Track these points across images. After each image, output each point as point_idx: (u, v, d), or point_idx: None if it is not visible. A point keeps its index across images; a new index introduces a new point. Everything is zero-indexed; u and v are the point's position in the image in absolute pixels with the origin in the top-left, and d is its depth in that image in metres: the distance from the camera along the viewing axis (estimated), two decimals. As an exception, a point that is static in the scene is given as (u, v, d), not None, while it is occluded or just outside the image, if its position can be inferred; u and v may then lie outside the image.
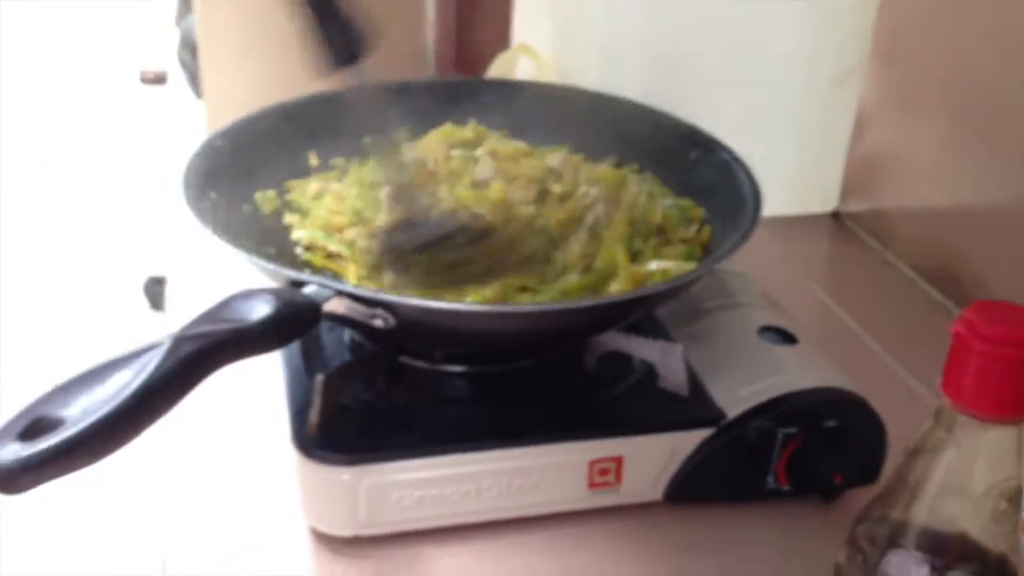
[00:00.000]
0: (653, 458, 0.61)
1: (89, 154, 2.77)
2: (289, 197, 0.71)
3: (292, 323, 0.48)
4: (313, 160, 0.74)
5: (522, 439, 0.59)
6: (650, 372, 0.64)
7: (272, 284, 0.56)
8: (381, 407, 0.61)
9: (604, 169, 0.74)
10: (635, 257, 0.65)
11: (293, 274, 0.53)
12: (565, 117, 0.79)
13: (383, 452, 0.57)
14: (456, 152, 0.74)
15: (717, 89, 1.11)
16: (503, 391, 0.63)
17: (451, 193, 0.68)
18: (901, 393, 0.76)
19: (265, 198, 0.70)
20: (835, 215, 1.05)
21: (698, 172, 0.72)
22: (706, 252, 0.68)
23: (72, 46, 3.39)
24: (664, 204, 0.69)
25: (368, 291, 0.52)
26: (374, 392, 0.61)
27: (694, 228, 0.68)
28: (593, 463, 0.60)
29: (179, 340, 0.42)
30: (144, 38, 3.18)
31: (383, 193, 0.67)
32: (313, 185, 0.72)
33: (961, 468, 0.40)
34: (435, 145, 0.74)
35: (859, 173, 1.02)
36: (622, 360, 0.64)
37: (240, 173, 0.68)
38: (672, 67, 1.19)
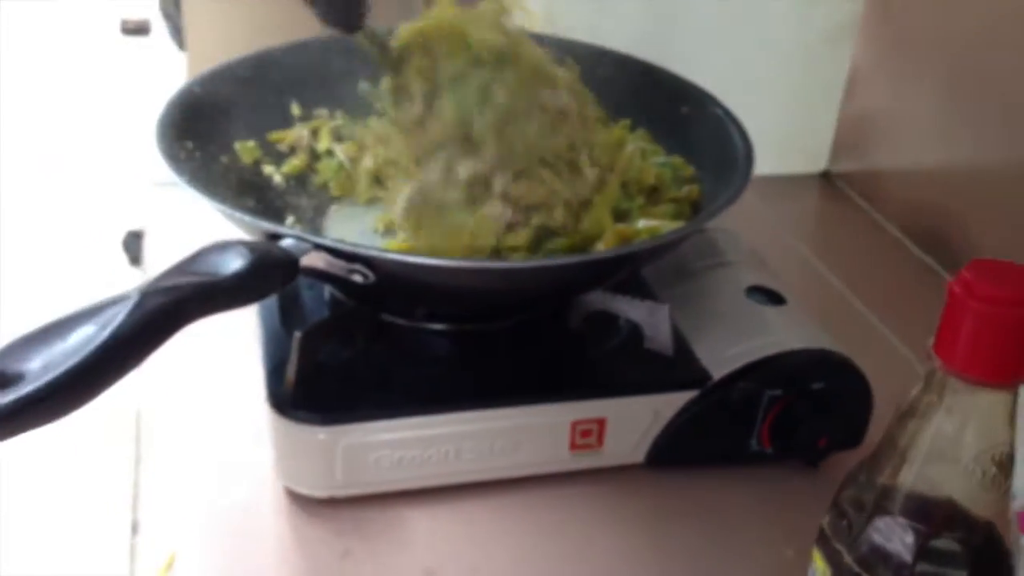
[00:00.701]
0: (636, 420, 0.60)
1: (68, 105, 2.71)
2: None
3: (267, 277, 0.46)
4: (295, 110, 0.72)
5: (504, 400, 0.58)
6: (635, 332, 0.62)
7: (249, 237, 0.55)
8: (360, 365, 0.59)
9: (602, 130, 0.71)
10: (623, 216, 0.63)
11: (270, 226, 0.51)
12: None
13: (361, 411, 0.56)
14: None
15: (708, 42, 1.09)
16: (485, 350, 0.62)
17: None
18: (888, 356, 0.76)
19: (245, 148, 0.68)
20: (825, 175, 1.04)
21: (689, 128, 0.71)
22: (695, 210, 0.67)
23: (52, -6, 3.32)
24: (656, 162, 0.67)
25: (346, 245, 0.50)
26: (353, 350, 0.60)
27: (685, 188, 0.67)
28: (575, 424, 0.59)
29: (147, 294, 0.40)
30: (126, -13, 3.13)
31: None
32: (297, 134, 0.70)
33: (951, 433, 0.39)
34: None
35: (850, 132, 1.01)
36: (608, 320, 0.63)
37: (219, 122, 0.66)
38: (663, 17, 1.16)
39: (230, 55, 0.71)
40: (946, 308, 0.37)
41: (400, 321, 0.62)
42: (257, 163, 0.68)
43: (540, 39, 0.76)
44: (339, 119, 0.73)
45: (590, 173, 0.61)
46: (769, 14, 1.00)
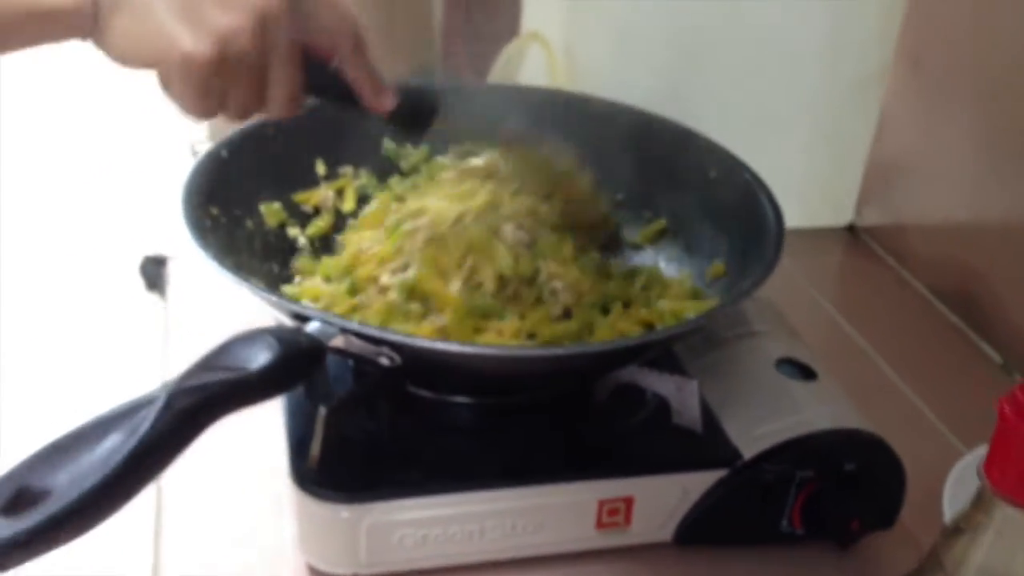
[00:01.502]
0: (664, 498, 0.59)
1: (85, 128, 2.71)
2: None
3: (295, 368, 0.45)
4: (320, 168, 0.71)
5: (530, 478, 0.57)
6: (663, 406, 0.61)
7: (276, 313, 0.54)
8: (384, 439, 0.58)
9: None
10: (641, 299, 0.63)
11: (298, 308, 0.51)
12: (578, 127, 0.76)
13: (385, 489, 0.55)
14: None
15: (734, 85, 1.08)
16: (510, 423, 0.61)
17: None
18: (918, 427, 0.74)
19: (270, 210, 0.67)
20: (850, 228, 1.02)
21: (716, 192, 0.70)
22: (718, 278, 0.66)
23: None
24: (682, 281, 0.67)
25: (374, 329, 0.50)
26: (377, 422, 0.59)
27: (709, 267, 0.66)
28: (602, 503, 0.58)
29: (174, 395, 0.40)
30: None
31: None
32: (322, 195, 0.70)
33: (1002, 556, 0.38)
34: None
35: (877, 184, 1.00)
36: (635, 393, 0.62)
37: (245, 184, 0.66)
38: (689, 59, 1.16)
39: None
40: (997, 429, 0.36)
41: (425, 393, 0.61)
42: (282, 225, 0.68)
43: (566, 96, 0.76)
44: (363, 178, 0.72)
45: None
46: (796, 61, 0.99)
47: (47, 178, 2.42)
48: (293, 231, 0.68)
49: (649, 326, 0.62)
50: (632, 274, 0.66)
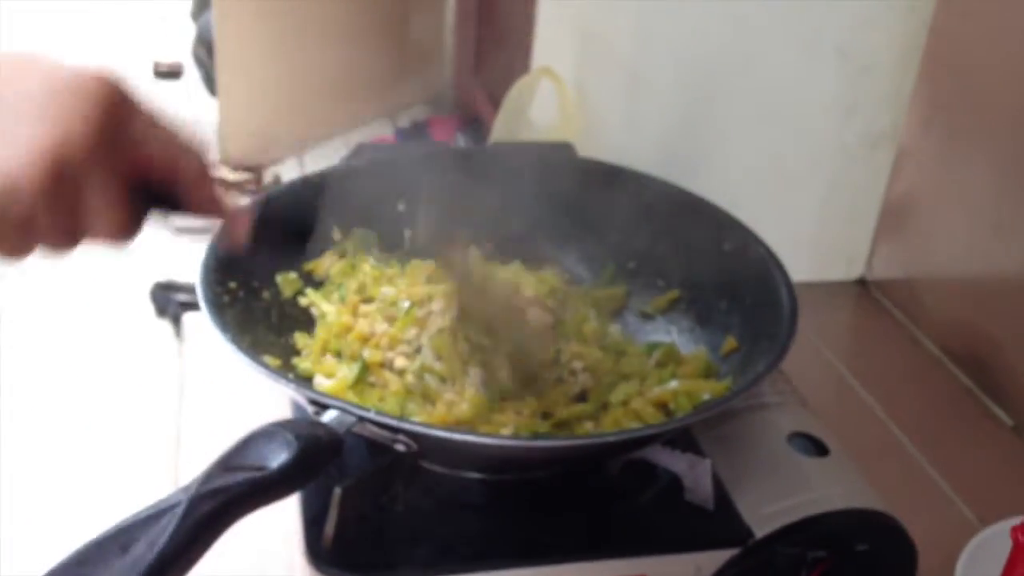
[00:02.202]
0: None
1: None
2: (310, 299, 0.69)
3: (314, 465, 0.46)
4: (336, 234, 0.72)
5: (543, 558, 0.57)
6: (674, 481, 0.62)
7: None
8: (397, 515, 0.59)
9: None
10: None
11: (317, 397, 0.51)
12: (590, 195, 0.76)
13: (400, 570, 0.55)
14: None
15: (745, 131, 1.09)
16: (523, 498, 0.61)
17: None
18: (927, 494, 0.75)
19: (287, 281, 0.67)
20: (861, 282, 1.03)
21: (731, 264, 0.70)
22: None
23: (85, 34, 3.34)
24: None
25: (391, 419, 0.50)
26: (390, 499, 0.59)
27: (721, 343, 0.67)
28: (615, 581, 0.58)
29: (195, 500, 0.40)
30: (159, 30, 3.14)
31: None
32: (328, 263, 0.70)
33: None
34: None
35: (889, 238, 1.00)
36: (646, 468, 0.62)
37: (261, 255, 0.66)
38: (700, 99, 1.16)
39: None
40: (1011, 555, 0.37)
41: (437, 468, 0.61)
42: (298, 294, 0.68)
43: (584, 163, 0.76)
44: (372, 241, 0.72)
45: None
46: (808, 113, 1.00)
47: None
48: (305, 300, 0.68)
49: (663, 406, 0.62)
50: (650, 350, 0.66)
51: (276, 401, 0.67)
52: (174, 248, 2.35)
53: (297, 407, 0.65)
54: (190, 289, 2.15)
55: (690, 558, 0.59)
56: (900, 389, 0.87)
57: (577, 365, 0.63)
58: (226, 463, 0.43)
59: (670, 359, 0.65)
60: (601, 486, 0.62)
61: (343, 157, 0.76)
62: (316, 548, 0.55)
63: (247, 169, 2.56)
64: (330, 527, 0.55)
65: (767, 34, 1.00)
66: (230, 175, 2.55)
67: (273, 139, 2.59)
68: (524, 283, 0.67)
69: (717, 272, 0.70)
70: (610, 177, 0.76)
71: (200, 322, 0.83)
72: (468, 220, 0.76)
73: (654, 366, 0.65)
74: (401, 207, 0.74)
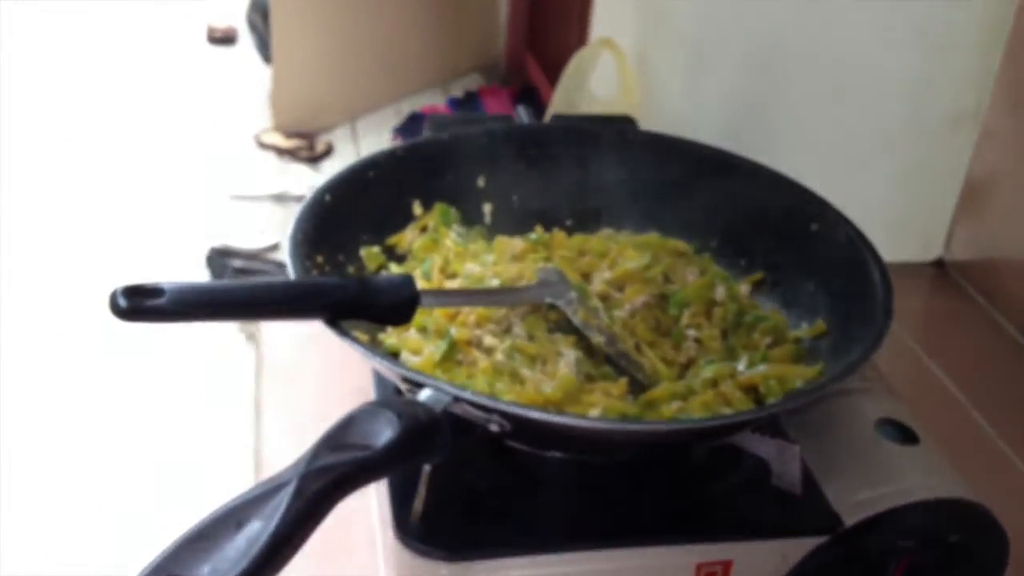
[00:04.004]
0: (763, 564, 0.59)
1: (149, 115, 2.74)
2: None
3: (417, 444, 0.46)
4: (417, 209, 0.71)
5: (629, 540, 0.57)
6: (761, 466, 0.61)
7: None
8: (482, 493, 0.59)
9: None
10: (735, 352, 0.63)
11: (409, 373, 0.51)
12: (670, 172, 0.75)
13: (486, 548, 0.55)
14: None
15: (816, 110, 1.07)
16: (609, 480, 0.61)
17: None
18: (1013, 482, 0.73)
19: (370, 254, 0.67)
20: (938, 264, 1.01)
21: (819, 246, 0.69)
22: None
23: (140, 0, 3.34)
24: (758, 321, 0.66)
25: (487, 399, 0.50)
26: (477, 477, 0.59)
27: (806, 327, 0.65)
28: (700, 566, 0.58)
29: (305, 478, 0.40)
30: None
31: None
32: (410, 237, 0.70)
33: None
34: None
35: (970, 220, 0.98)
36: (732, 452, 0.62)
37: (347, 229, 0.66)
38: (766, 74, 1.14)
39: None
40: None
41: (522, 447, 0.61)
42: (381, 268, 0.68)
43: (664, 139, 0.75)
44: (453, 217, 0.72)
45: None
46: (884, 91, 0.97)
47: (112, 171, 2.47)
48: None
49: (752, 389, 0.61)
50: (755, 323, 0.65)
51: (356, 378, 0.68)
52: (230, 213, 2.37)
53: (380, 384, 0.65)
54: (247, 255, 2.18)
55: (777, 545, 0.58)
56: (981, 374, 0.85)
57: (691, 333, 0.62)
58: (332, 441, 0.43)
59: (780, 338, 0.64)
60: (687, 470, 0.62)
61: (424, 130, 0.76)
62: (405, 525, 0.55)
63: (299, 135, 2.58)
64: (419, 504, 0.55)
65: (839, 10, 0.97)
66: (283, 142, 2.57)
67: (326, 106, 2.61)
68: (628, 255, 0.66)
69: (803, 253, 0.69)
70: (691, 154, 0.75)
71: (276, 329, 0.84)
72: (546, 196, 0.75)
73: (765, 347, 0.64)
74: (481, 182, 0.74)
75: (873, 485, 0.60)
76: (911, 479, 0.60)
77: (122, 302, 0.48)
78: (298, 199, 2.37)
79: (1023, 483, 0.73)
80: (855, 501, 0.59)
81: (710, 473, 0.61)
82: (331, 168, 2.49)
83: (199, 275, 2.17)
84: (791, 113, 1.12)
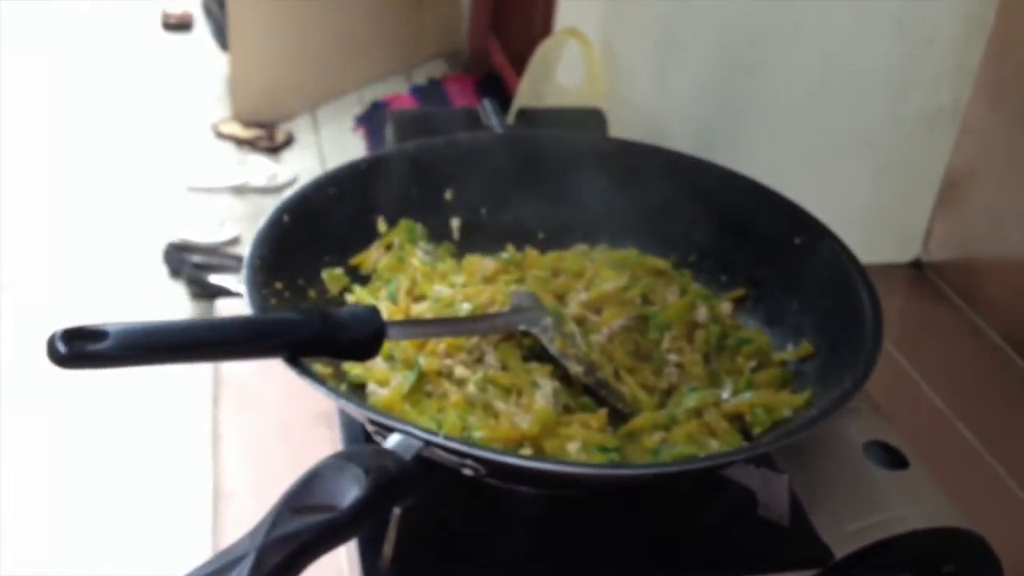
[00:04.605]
0: (751, 599, 0.56)
1: (103, 104, 2.66)
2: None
3: (386, 500, 0.42)
4: (382, 226, 0.68)
5: (612, 579, 0.54)
6: (745, 494, 0.58)
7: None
8: (456, 532, 0.56)
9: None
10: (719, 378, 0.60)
11: (379, 418, 0.47)
12: (647, 183, 0.72)
13: (459, 595, 0.52)
14: None
15: (789, 102, 1.04)
16: (587, 514, 0.58)
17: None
18: (1001, 498, 0.71)
19: (333, 277, 0.64)
20: (916, 264, 0.98)
21: (802, 261, 0.66)
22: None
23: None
24: (741, 344, 0.63)
25: (461, 444, 0.47)
26: (447, 512, 0.56)
27: (791, 349, 0.63)
28: (686, 604, 0.55)
29: (264, 550, 0.37)
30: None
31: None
32: (375, 256, 0.66)
33: None
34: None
35: (948, 219, 0.95)
36: (716, 480, 0.59)
37: (307, 251, 0.62)
38: (740, 67, 1.12)
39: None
40: None
41: (495, 482, 0.58)
42: (345, 291, 0.64)
43: (641, 148, 0.72)
44: (419, 234, 0.68)
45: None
46: (862, 86, 0.95)
47: (64, 163, 2.39)
48: (352, 298, 0.64)
49: (738, 418, 0.58)
50: (739, 346, 0.62)
51: (320, 401, 0.64)
52: (187, 206, 2.30)
53: (344, 414, 0.62)
54: (205, 249, 2.11)
55: (766, 579, 0.56)
56: (961, 380, 0.83)
57: (672, 358, 0.59)
58: (293, 503, 0.40)
59: (765, 362, 0.61)
60: (669, 500, 0.59)
61: (386, 124, 0.72)
62: (374, 571, 0.52)
63: (259, 125, 2.52)
64: (388, 548, 0.52)
65: (817, 2, 0.95)
66: (242, 131, 2.51)
67: (286, 94, 2.55)
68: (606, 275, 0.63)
69: (787, 268, 0.66)
70: (670, 164, 0.72)
71: (236, 309, 0.80)
72: (517, 209, 0.72)
73: (750, 371, 0.61)
74: (448, 195, 0.70)
75: (863, 514, 0.57)
76: (903, 507, 0.58)
77: (61, 348, 0.44)
78: (258, 191, 2.32)
79: (1006, 495, 0.71)
80: (846, 532, 0.57)
81: (694, 504, 0.59)
82: (292, 159, 2.44)
83: (156, 271, 2.10)
84: (765, 108, 1.09)
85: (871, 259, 0.98)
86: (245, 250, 0.57)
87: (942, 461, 0.63)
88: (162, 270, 2.12)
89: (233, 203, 2.29)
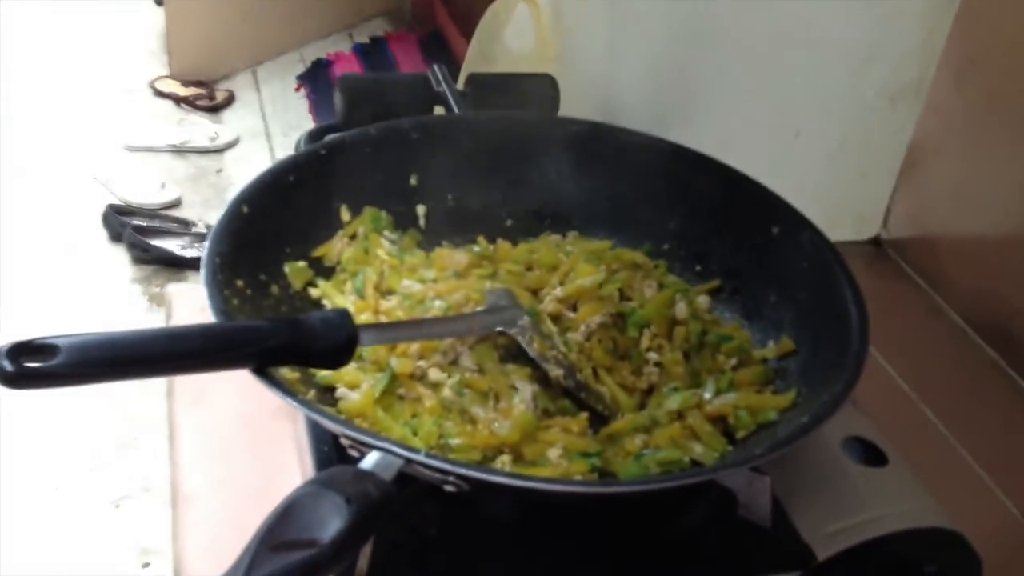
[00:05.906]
0: (733, 604, 0.55)
1: (34, 61, 2.55)
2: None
3: (369, 527, 0.40)
4: (345, 215, 0.65)
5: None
6: (726, 495, 0.57)
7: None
8: (433, 541, 0.54)
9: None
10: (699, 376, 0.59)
11: (357, 436, 0.45)
12: (617, 167, 0.70)
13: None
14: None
15: (746, 74, 1.02)
16: (564, 519, 0.56)
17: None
18: (968, 484, 0.71)
19: (295, 270, 0.61)
20: (875, 242, 0.98)
21: (780, 251, 0.64)
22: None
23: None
24: (721, 341, 0.61)
25: (444, 462, 0.44)
26: (426, 519, 0.54)
27: (773, 345, 0.61)
28: (667, 611, 0.54)
29: (246, 596, 0.34)
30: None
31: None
32: (338, 247, 0.63)
33: None
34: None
35: (909, 197, 0.95)
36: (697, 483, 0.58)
37: (268, 245, 0.59)
38: (695, 35, 1.09)
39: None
40: None
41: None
42: (308, 285, 0.61)
43: (613, 131, 0.70)
44: (384, 222, 0.65)
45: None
46: (822, 59, 0.93)
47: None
48: (316, 292, 0.61)
49: (721, 419, 0.57)
50: (719, 343, 0.61)
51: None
52: (126, 166, 2.20)
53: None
54: (146, 212, 2.02)
55: (747, 582, 0.55)
56: (921, 359, 0.82)
57: (652, 356, 0.58)
58: (271, 540, 0.37)
59: (745, 361, 0.60)
60: (650, 503, 0.57)
61: (334, 93, 0.68)
62: (348, 584, 0.50)
63: (198, 84, 2.44)
64: (363, 562, 0.50)
65: (778, -33, 0.93)
66: (180, 89, 2.42)
67: (225, 52, 2.47)
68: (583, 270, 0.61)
69: (764, 258, 0.65)
70: (640, 147, 0.69)
71: (187, 295, 0.76)
72: (484, 194, 0.69)
73: (731, 368, 0.59)
74: (413, 181, 0.67)
75: (845, 515, 0.57)
76: (884, 506, 0.57)
77: (6, 365, 0.41)
78: (199, 151, 2.24)
79: (973, 480, 0.71)
80: (827, 532, 0.56)
81: (674, 507, 0.57)
82: (233, 118, 2.36)
83: (95, 235, 2.03)
84: (721, 79, 1.07)
85: (830, 237, 0.98)
86: (204, 248, 0.54)
87: (914, 449, 0.62)
88: (102, 234, 2.04)
89: (174, 164, 2.22)
